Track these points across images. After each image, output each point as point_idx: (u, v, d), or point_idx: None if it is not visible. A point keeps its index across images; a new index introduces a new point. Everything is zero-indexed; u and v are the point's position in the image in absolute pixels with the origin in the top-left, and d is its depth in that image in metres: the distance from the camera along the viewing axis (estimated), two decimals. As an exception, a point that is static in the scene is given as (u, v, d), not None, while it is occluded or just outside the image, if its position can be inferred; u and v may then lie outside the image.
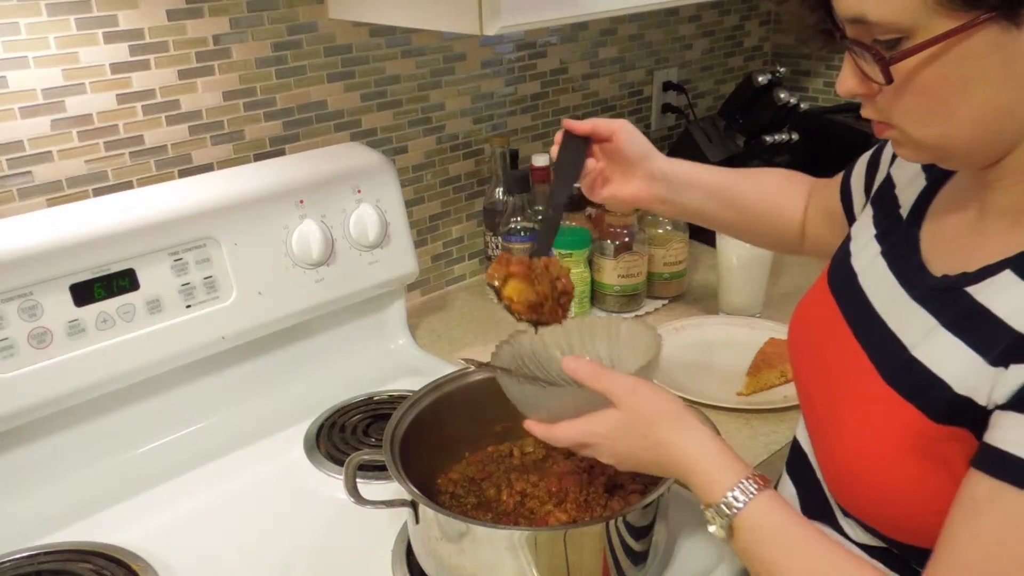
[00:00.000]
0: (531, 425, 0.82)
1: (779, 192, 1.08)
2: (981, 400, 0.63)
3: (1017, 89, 0.62)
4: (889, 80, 0.64)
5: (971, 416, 0.63)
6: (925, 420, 0.66)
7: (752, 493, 0.71)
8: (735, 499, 0.71)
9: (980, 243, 0.69)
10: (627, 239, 1.46)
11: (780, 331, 1.31)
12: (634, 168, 0.97)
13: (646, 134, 1.85)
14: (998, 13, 0.59)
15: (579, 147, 0.94)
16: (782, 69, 1.69)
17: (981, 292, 0.66)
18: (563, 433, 0.80)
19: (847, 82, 0.68)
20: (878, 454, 0.69)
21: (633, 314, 1.47)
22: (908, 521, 0.69)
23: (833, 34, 0.68)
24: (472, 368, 1.03)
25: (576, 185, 0.95)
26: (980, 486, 0.60)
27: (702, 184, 1.02)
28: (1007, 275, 0.64)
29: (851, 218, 0.95)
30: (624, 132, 0.95)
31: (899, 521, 0.70)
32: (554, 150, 0.95)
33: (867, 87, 0.67)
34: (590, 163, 0.95)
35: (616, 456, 0.79)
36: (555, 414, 0.80)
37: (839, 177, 1.00)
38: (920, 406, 0.66)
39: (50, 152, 1.10)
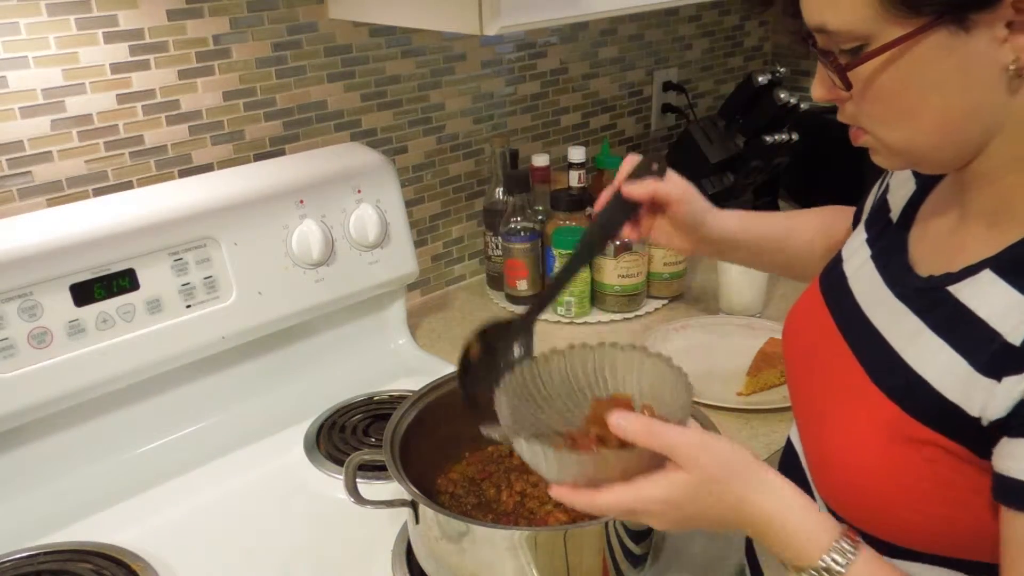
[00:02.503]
0: (564, 493, 0.68)
1: (824, 231, 1.06)
2: (973, 411, 0.62)
3: (977, 92, 0.63)
4: (848, 86, 0.66)
5: (961, 425, 0.63)
6: (910, 421, 0.66)
7: (851, 554, 0.66)
8: (835, 562, 0.65)
9: (962, 244, 0.70)
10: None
11: (780, 331, 1.31)
12: (685, 231, 0.96)
13: (646, 134, 1.87)
14: (945, 18, 0.60)
15: (627, 210, 0.89)
16: (782, 69, 1.69)
17: (963, 292, 0.67)
18: (610, 500, 0.67)
19: (818, 89, 0.70)
20: (862, 450, 0.70)
21: (633, 314, 1.47)
22: (890, 518, 0.69)
23: (807, 41, 0.69)
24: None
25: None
26: (1019, 526, 0.60)
27: (750, 243, 1.01)
28: (987, 274, 0.65)
29: None
30: (682, 204, 0.92)
31: (881, 518, 0.70)
32: (598, 205, 0.89)
33: (836, 93, 0.69)
34: (628, 230, 0.92)
35: (678, 521, 0.69)
36: (596, 479, 0.68)
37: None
38: (906, 407, 0.67)
39: (50, 152, 1.10)
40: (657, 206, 0.93)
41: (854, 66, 0.64)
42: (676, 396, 0.74)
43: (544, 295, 0.90)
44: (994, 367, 0.61)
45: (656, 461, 0.67)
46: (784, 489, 0.68)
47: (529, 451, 0.68)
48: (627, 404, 0.74)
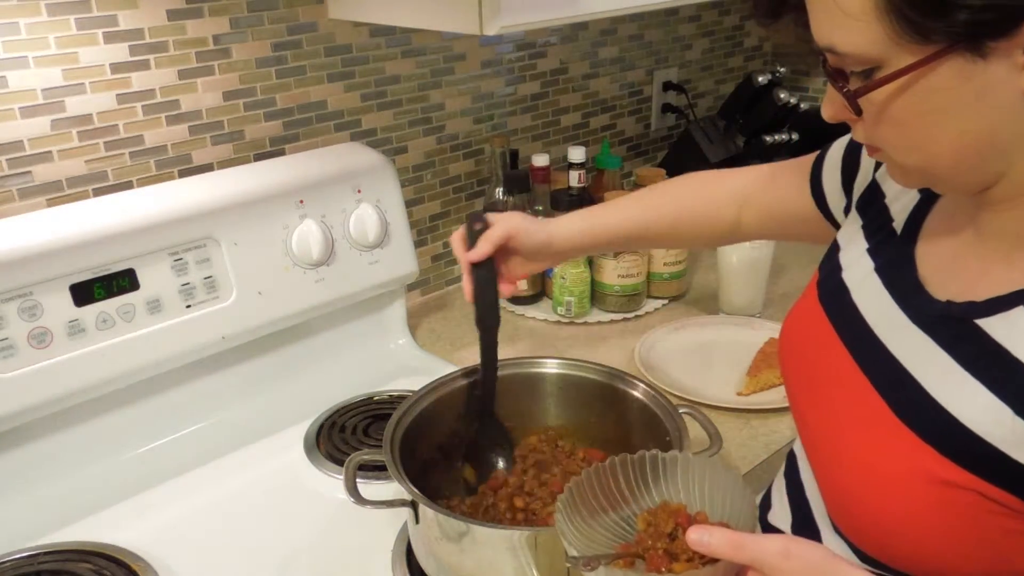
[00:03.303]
0: None
1: (694, 210, 1.06)
2: None
3: (995, 119, 0.61)
4: (857, 111, 0.64)
5: (1011, 474, 0.61)
6: (948, 464, 0.64)
7: None
8: None
9: (983, 268, 0.68)
10: (627, 239, 1.46)
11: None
12: (540, 256, 1.02)
13: (646, 134, 1.87)
14: (960, 46, 0.58)
15: (489, 272, 0.96)
16: (782, 69, 1.70)
17: (994, 328, 0.64)
18: None
19: (827, 108, 0.68)
20: (892, 491, 0.67)
21: (633, 314, 1.47)
22: (921, 560, 0.67)
23: (818, 57, 0.67)
24: (473, 368, 1.03)
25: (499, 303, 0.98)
26: None
27: (610, 239, 1.06)
28: (1020, 311, 0.63)
29: (830, 217, 0.93)
30: (518, 234, 0.98)
31: (911, 559, 0.68)
32: (468, 288, 0.96)
33: (847, 115, 0.67)
34: (504, 288, 0.99)
35: None
36: None
37: (796, 177, 0.96)
38: (943, 450, 0.64)
39: (50, 152, 1.10)
40: (504, 250, 0.98)
41: (864, 92, 0.62)
42: (732, 497, 0.72)
43: (484, 385, 0.98)
44: None
45: (734, 570, 0.65)
46: None
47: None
48: (683, 513, 0.71)
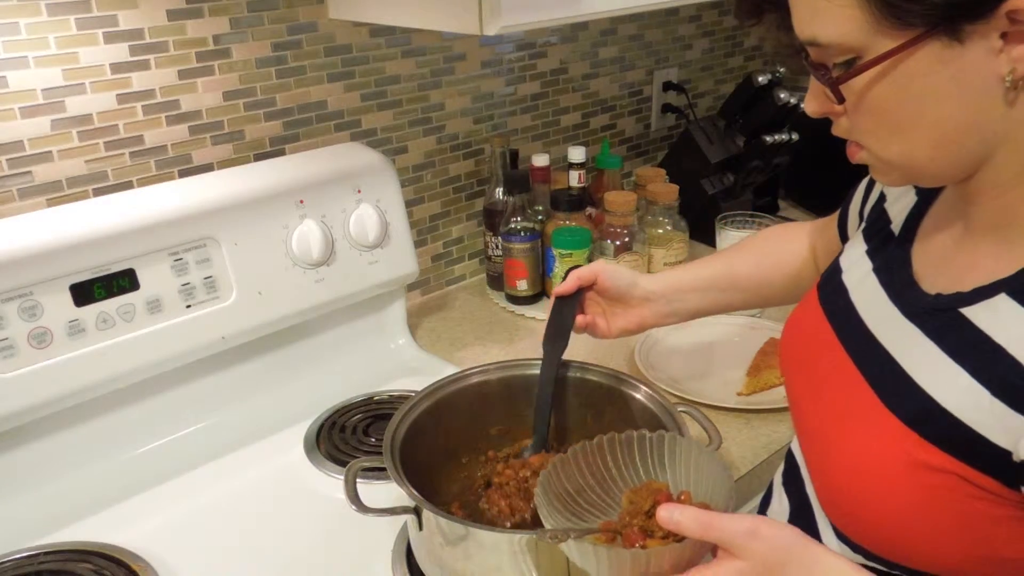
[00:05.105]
0: None
1: (774, 251, 1.10)
2: (1001, 442, 0.61)
3: (973, 104, 0.61)
4: (840, 99, 0.65)
5: (987, 456, 0.62)
6: (929, 447, 0.65)
7: None
8: None
9: (970, 261, 0.69)
10: (627, 239, 1.46)
11: (780, 331, 1.31)
12: (627, 298, 1.05)
13: (646, 134, 1.87)
14: (938, 30, 0.58)
15: (570, 306, 1.02)
16: (782, 69, 1.69)
17: (977, 315, 0.65)
18: None
19: (811, 103, 0.69)
20: (874, 476, 0.68)
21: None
22: (906, 546, 0.68)
23: (800, 54, 0.68)
24: (472, 370, 1.03)
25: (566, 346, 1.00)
26: None
27: (697, 284, 1.07)
28: (1002, 298, 0.64)
29: (845, 240, 0.94)
30: (605, 272, 1.03)
31: (896, 546, 0.69)
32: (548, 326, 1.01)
33: (829, 107, 0.68)
34: (579, 318, 1.03)
35: None
36: (648, 574, 0.67)
37: (836, 214, 1.00)
38: (924, 434, 0.65)
39: (50, 152, 1.10)
40: (599, 297, 1.04)
41: (846, 79, 0.63)
42: (714, 479, 0.74)
43: (538, 402, 0.99)
44: (1019, 399, 0.60)
45: (705, 548, 0.67)
46: (835, 563, 0.66)
47: (578, 551, 0.68)
48: (663, 492, 0.73)
